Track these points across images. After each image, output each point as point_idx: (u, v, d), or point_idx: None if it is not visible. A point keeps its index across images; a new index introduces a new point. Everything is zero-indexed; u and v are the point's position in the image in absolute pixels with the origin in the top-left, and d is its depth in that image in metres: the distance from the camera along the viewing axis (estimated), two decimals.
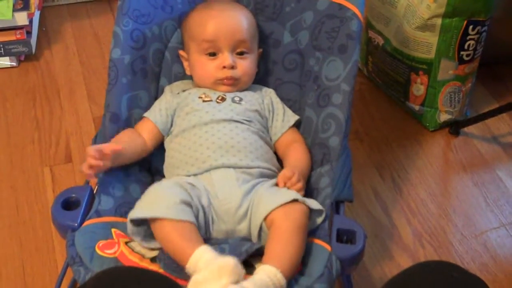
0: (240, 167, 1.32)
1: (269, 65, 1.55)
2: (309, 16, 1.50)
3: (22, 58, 2.00)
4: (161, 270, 1.18)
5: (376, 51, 1.85)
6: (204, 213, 1.25)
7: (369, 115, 1.85)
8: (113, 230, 1.25)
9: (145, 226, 1.21)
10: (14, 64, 1.97)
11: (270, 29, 1.55)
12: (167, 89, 1.49)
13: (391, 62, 1.80)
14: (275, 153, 1.43)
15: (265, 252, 1.19)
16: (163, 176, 1.40)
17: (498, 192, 1.66)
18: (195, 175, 1.32)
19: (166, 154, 1.39)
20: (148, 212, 1.20)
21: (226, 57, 1.42)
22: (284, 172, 1.30)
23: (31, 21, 1.97)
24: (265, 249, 1.20)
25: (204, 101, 1.42)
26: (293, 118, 1.45)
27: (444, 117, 1.78)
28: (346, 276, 1.37)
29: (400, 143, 1.78)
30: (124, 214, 1.29)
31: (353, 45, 1.39)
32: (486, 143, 1.78)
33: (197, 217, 1.23)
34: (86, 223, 1.25)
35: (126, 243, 1.23)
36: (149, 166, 1.43)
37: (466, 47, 1.68)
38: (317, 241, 1.22)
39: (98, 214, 1.27)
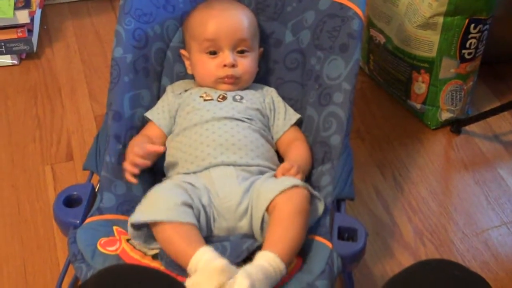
0: (240, 165, 1.32)
1: (271, 64, 1.55)
2: (311, 16, 1.50)
3: (24, 56, 2.00)
4: (162, 268, 1.19)
5: (378, 49, 1.85)
6: (205, 212, 1.25)
7: (370, 114, 1.85)
8: (114, 227, 1.25)
9: (145, 229, 1.21)
10: (15, 62, 1.98)
11: (271, 28, 1.55)
12: (169, 89, 1.49)
13: (393, 60, 1.80)
14: (277, 151, 1.43)
15: (266, 237, 1.20)
16: (164, 175, 1.40)
17: (499, 190, 1.66)
18: (194, 173, 1.32)
19: (167, 152, 1.40)
20: (148, 215, 1.19)
21: (226, 56, 1.42)
22: (283, 165, 1.31)
23: (32, 19, 1.97)
24: (266, 234, 1.20)
25: (205, 100, 1.42)
26: (294, 116, 1.45)
27: (445, 115, 1.78)
28: (347, 273, 1.37)
29: (402, 141, 1.78)
30: (126, 212, 1.29)
31: (354, 44, 1.39)
32: (487, 142, 1.78)
33: (198, 217, 1.23)
34: (88, 220, 1.25)
35: (128, 240, 1.23)
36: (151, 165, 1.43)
37: (467, 45, 1.68)
38: (319, 238, 1.23)
39: (100, 211, 1.27)
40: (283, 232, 1.19)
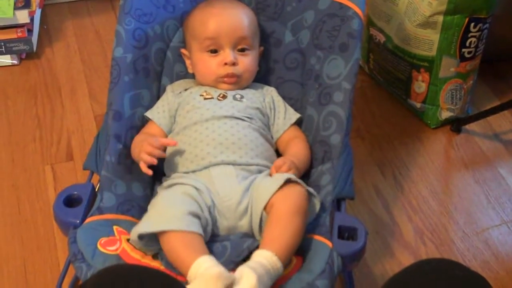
0: (240, 164, 1.32)
1: (271, 64, 1.55)
2: (310, 15, 1.50)
3: (23, 56, 2.00)
4: (162, 268, 1.19)
5: (378, 48, 1.85)
6: (210, 215, 1.25)
7: (370, 113, 1.85)
8: (115, 227, 1.25)
9: (148, 235, 1.21)
10: (15, 62, 1.98)
11: (271, 28, 1.55)
12: (169, 88, 1.49)
13: (393, 59, 1.80)
14: (277, 151, 1.43)
15: (263, 236, 1.20)
16: (164, 174, 1.40)
17: (499, 189, 1.66)
18: (194, 171, 1.32)
19: (167, 151, 1.40)
20: (156, 226, 1.19)
21: (227, 54, 1.42)
22: (276, 162, 1.31)
23: (32, 19, 1.97)
24: (263, 233, 1.20)
25: (205, 98, 1.42)
26: (294, 116, 1.46)
27: (445, 114, 1.78)
28: (347, 272, 1.37)
29: (402, 140, 1.78)
30: (126, 212, 1.30)
31: (354, 43, 1.39)
32: (487, 141, 1.78)
33: (205, 227, 1.23)
34: (88, 220, 1.25)
35: (128, 240, 1.23)
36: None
37: (467, 44, 1.68)
38: (319, 238, 1.22)
39: (100, 211, 1.27)
40: (280, 231, 1.19)
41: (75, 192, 1.30)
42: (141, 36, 1.47)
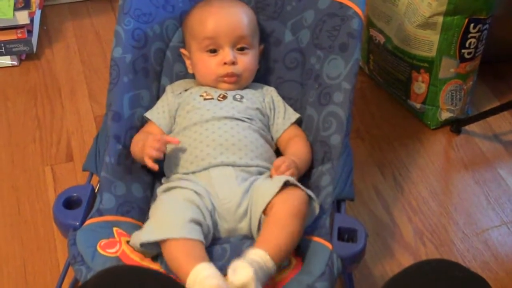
0: (239, 166, 1.32)
1: (270, 63, 1.55)
2: (310, 15, 1.50)
3: (23, 57, 2.00)
4: (162, 270, 1.18)
5: (377, 49, 1.85)
6: (211, 217, 1.25)
7: (370, 114, 1.85)
8: (114, 229, 1.25)
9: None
10: (15, 63, 1.98)
11: (271, 28, 1.55)
12: (168, 89, 1.49)
13: (392, 60, 1.80)
14: (277, 151, 1.43)
15: (259, 235, 1.20)
16: (163, 175, 1.40)
17: (499, 190, 1.66)
18: (193, 172, 1.32)
19: (167, 152, 1.39)
20: (157, 235, 1.18)
21: (226, 53, 1.42)
22: (275, 162, 1.31)
23: (32, 20, 1.97)
24: (259, 233, 1.21)
25: (205, 99, 1.42)
26: (294, 116, 1.45)
27: (445, 115, 1.78)
28: (347, 274, 1.37)
29: (402, 141, 1.78)
30: (126, 213, 1.29)
31: (354, 43, 1.39)
32: (487, 141, 1.78)
33: (206, 235, 1.22)
34: (88, 222, 1.25)
35: (128, 242, 1.23)
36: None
37: (467, 45, 1.68)
38: (318, 240, 1.22)
39: (100, 213, 1.27)
40: (276, 232, 1.18)
41: (75, 194, 1.29)
42: (140, 36, 1.47)
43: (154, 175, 1.42)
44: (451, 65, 1.71)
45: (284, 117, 1.45)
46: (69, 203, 1.28)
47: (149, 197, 1.38)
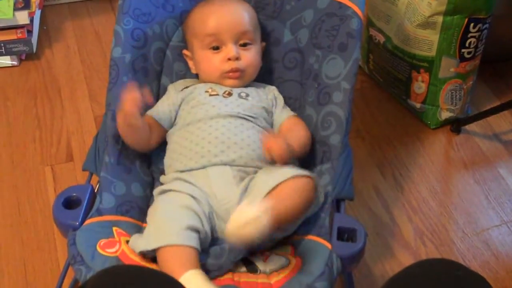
0: (237, 165, 1.32)
1: (270, 63, 1.55)
2: (309, 14, 1.50)
3: (23, 57, 2.00)
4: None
5: (377, 49, 1.84)
6: (210, 220, 1.25)
7: (370, 113, 1.85)
8: (114, 228, 1.25)
9: None
10: (15, 63, 1.97)
11: (271, 27, 1.55)
12: (171, 87, 1.49)
13: (392, 60, 1.79)
14: None
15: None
16: (163, 174, 1.40)
17: (499, 189, 1.66)
18: (191, 169, 1.32)
19: (167, 147, 1.39)
20: (154, 243, 1.18)
21: (230, 49, 1.42)
22: (265, 140, 1.29)
23: (32, 20, 1.97)
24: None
25: (210, 95, 1.42)
26: (292, 113, 1.45)
27: (445, 114, 1.78)
28: (347, 274, 1.37)
29: (401, 141, 1.78)
30: (126, 213, 1.29)
31: (353, 43, 1.39)
32: (487, 141, 1.78)
33: (203, 241, 1.22)
34: (87, 222, 1.25)
35: (127, 241, 1.23)
36: (150, 165, 1.43)
37: (467, 44, 1.68)
38: (318, 239, 1.22)
39: (100, 212, 1.27)
40: (281, 198, 1.17)
41: (74, 194, 1.29)
42: (140, 36, 1.47)
43: (153, 175, 1.42)
44: (451, 65, 1.71)
45: (282, 110, 1.45)
46: (69, 203, 1.28)
47: (149, 197, 1.38)
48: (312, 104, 1.44)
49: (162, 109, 1.43)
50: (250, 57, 1.44)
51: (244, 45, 1.44)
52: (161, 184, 1.36)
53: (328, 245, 1.20)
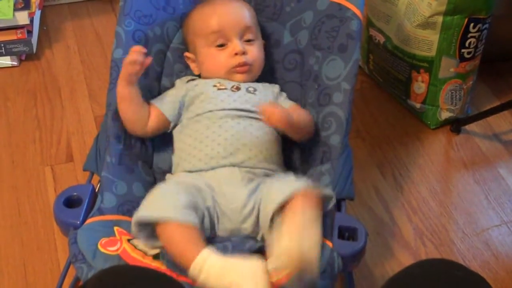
0: (246, 167, 1.32)
1: (271, 65, 1.55)
2: (309, 16, 1.50)
3: (23, 57, 2.00)
4: (163, 267, 1.18)
5: (377, 49, 1.85)
6: (209, 214, 1.25)
7: (370, 114, 1.85)
8: (115, 228, 1.25)
9: (149, 228, 1.21)
10: (15, 63, 1.98)
11: (271, 29, 1.56)
12: (178, 81, 1.49)
13: (392, 60, 1.80)
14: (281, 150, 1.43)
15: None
16: (165, 174, 1.40)
17: (499, 189, 1.66)
18: (200, 170, 1.32)
19: (175, 145, 1.40)
20: (155, 212, 1.18)
21: (236, 44, 1.43)
22: (263, 106, 1.30)
23: (32, 21, 1.97)
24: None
25: (219, 89, 1.42)
26: (295, 103, 1.47)
27: (445, 115, 1.78)
28: (347, 273, 1.37)
29: (401, 141, 1.78)
30: (127, 212, 1.29)
31: (353, 44, 1.39)
32: (487, 141, 1.78)
33: (202, 220, 1.22)
34: (89, 221, 1.25)
35: (129, 240, 1.23)
36: (151, 165, 1.43)
37: (467, 44, 1.68)
38: None
39: (101, 212, 1.27)
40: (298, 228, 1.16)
41: (75, 193, 1.30)
42: (140, 37, 1.47)
43: (156, 175, 1.42)
44: (451, 65, 1.71)
45: (287, 99, 1.47)
46: (70, 202, 1.28)
47: None
48: (312, 105, 1.44)
49: (166, 98, 1.43)
50: (256, 51, 1.46)
51: (248, 41, 1.45)
52: None
53: (329, 244, 1.20)
